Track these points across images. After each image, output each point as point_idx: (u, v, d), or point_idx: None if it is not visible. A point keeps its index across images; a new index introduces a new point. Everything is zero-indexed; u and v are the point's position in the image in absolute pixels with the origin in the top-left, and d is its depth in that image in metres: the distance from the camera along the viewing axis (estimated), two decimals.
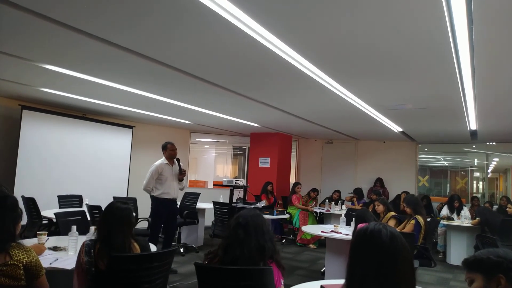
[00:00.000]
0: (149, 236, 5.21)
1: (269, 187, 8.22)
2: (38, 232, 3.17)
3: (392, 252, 1.38)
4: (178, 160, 5.51)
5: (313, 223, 7.85)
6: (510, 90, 4.46)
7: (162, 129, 9.33)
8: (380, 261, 1.38)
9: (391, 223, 4.93)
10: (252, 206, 5.31)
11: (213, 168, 11.57)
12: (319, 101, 5.42)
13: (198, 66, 4.03)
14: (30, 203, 5.49)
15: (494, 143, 9.21)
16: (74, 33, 3.14)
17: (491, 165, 10.09)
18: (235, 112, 6.88)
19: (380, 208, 5.18)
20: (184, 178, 5.60)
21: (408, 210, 4.91)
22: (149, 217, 5.40)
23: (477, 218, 6.58)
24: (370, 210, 5.42)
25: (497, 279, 1.43)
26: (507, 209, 6.77)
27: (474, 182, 10.36)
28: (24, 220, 5.39)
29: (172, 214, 5.49)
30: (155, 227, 5.28)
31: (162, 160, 5.36)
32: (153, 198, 5.29)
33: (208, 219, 7.55)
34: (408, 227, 4.72)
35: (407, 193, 8.28)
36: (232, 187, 5.40)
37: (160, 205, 5.26)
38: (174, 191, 5.40)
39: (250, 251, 2.04)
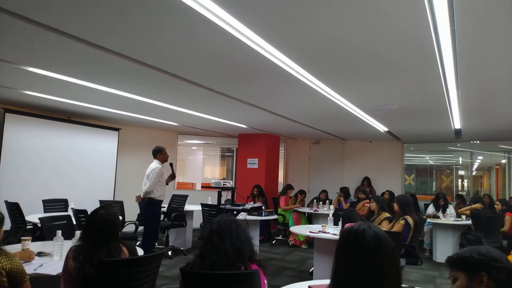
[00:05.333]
0: (149, 239, 5.27)
1: (254, 191, 8.23)
2: (22, 238, 3.11)
3: (376, 251, 1.39)
4: (171, 164, 5.61)
5: (305, 224, 7.92)
6: (492, 90, 4.55)
7: (149, 131, 9.26)
8: (363, 261, 1.39)
9: (384, 223, 4.92)
10: (240, 207, 5.30)
11: (201, 170, 11.53)
12: (306, 102, 5.45)
13: (183, 67, 4.02)
14: (14, 208, 5.40)
15: (478, 142, 9.37)
16: (57, 35, 3.10)
17: (475, 163, 10.27)
18: (222, 113, 6.86)
19: (373, 205, 5.16)
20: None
21: (395, 206, 4.89)
22: (147, 220, 5.36)
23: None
24: (361, 210, 5.45)
25: (479, 277, 1.45)
26: (495, 206, 6.88)
27: (459, 180, 10.53)
28: (8, 226, 5.29)
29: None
30: (156, 230, 5.36)
31: (158, 163, 5.39)
32: (152, 201, 5.27)
33: (196, 221, 7.53)
34: (397, 227, 4.69)
35: (390, 192, 8.37)
36: (220, 189, 5.38)
37: (158, 208, 5.36)
38: (165, 194, 5.55)
39: (227, 254, 2.04)
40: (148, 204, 5.27)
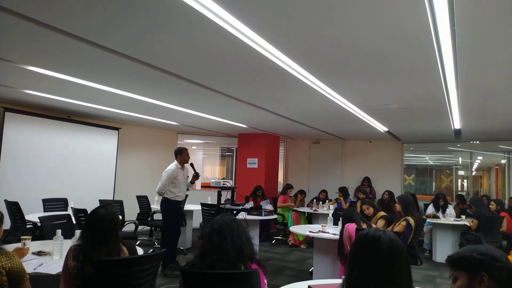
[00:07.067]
0: (163, 237, 5.47)
1: (258, 193, 8.18)
2: (22, 237, 3.11)
3: (390, 259, 1.44)
4: (192, 165, 5.73)
5: (304, 223, 7.93)
6: (492, 90, 4.55)
7: (149, 130, 9.26)
8: (377, 267, 1.43)
9: (380, 223, 4.92)
10: (240, 207, 5.30)
11: (201, 169, 11.52)
12: (306, 102, 5.45)
13: (184, 67, 4.01)
14: (14, 207, 5.40)
15: (477, 142, 9.37)
16: (57, 34, 3.10)
17: (475, 163, 10.27)
18: (222, 113, 6.86)
19: (370, 211, 5.13)
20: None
21: (398, 207, 4.83)
22: (162, 219, 5.55)
23: (473, 218, 6.47)
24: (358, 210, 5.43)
25: (480, 277, 1.45)
26: (490, 206, 6.89)
27: (459, 180, 10.53)
28: (8, 225, 5.29)
29: (180, 215, 5.80)
30: (170, 228, 5.47)
31: (175, 164, 5.50)
32: (166, 201, 5.43)
33: (196, 221, 7.53)
34: (399, 228, 4.64)
35: (389, 192, 8.36)
36: (220, 188, 5.38)
37: (173, 207, 5.47)
38: (184, 194, 5.66)
39: (227, 253, 2.04)
40: (163, 204, 5.48)
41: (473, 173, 10.51)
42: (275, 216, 7.14)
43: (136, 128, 9.02)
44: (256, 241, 6.45)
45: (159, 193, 5.42)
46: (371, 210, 5.11)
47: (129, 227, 6.78)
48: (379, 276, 1.41)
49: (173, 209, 5.48)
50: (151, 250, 6.47)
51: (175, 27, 2.91)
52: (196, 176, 5.72)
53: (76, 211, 5.02)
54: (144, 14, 2.72)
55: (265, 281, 2.15)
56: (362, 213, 5.19)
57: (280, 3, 2.45)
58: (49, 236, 3.59)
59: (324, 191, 8.94)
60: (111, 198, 7.81)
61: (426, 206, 8.05)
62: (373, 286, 1.40)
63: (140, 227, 6.91)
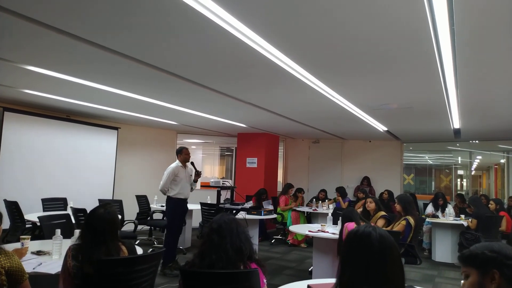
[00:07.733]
0: (166, 234, 5.61)
1: (262, 196, 8.10)
2: (21, 236, 3.11)
3: (381, 255, 1.44)
4: (192, 163, 5.85)
5: (304, 223, 7.91)
6: (491, 90, 4.56)
7: (148, 130, 9.25)
8: (369, 263, 1.43)
9: (380, 222, 4.92)
10: (239, 206, 5.30)
11: (200, 169, 11.50)
12: (306, 101, 5.45)
13: (183, 66, 4.01)
14: (13, 206, 5.40)
15: (477, 141, 9.38)
16: (58, 35, 3.10)
17: (474, 163, 10.28)
18: (221, 112, 6.86)
19: (372, 205, 5.13)
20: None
21: (398, 207, 4.83)
22: (166, 216, 5.71)
23: (472, 218, 6.46)
24: (360, 209, 5.42)
25: (491, 274, 1.44)
26: (489, 205, 6.90)
27: (458, 179, 10.55)
28: (7, 224, 5.29)
29: (184, 213, 5.85)
30: (173, 226, 5.59)
31: (177, 163, 5.67)
32: (169, 198, 5.59)
33: (196, 221, 7.53)
34: (399, 227, 4.64)
35: (389, 192, 8.36)
36: (220, 188, 5.39)
37: (175, 205, 5.59)
38: (187, 192, 5.74)
39: (227, 253, 2.04)
40: (166, 201, 5.63)
41: (473, 173, 10.52)
42: (274, 216, 7.13)
43: (135, 128, 9.02)
44: (255, 240, 6.45)
45: (162, 191, 5.55)
46: (373, 205, 5.09)
47: (128, 227, 6.78)
48: (371, 272, 1.41)
49: (176, 207, 5.56)
50: (151, 249, 6.48)
51: (174, 26, 2.91)
52: (197, 174, 5.82)
53: (76, 211, 5.02)
54: (144, 14, 2.72)
55: (265, 281, 2.16)
56: (365, 208, 5.19)
57: (277, 2, 2.45)
58: (49, 235, 3.59)
59: (323, 190, 8.93)
60: (111, 198, 7.81)
61: (425, 205, 8.06)
62: (366, 284, 1.39)
63: (139, 227, 6.91)
